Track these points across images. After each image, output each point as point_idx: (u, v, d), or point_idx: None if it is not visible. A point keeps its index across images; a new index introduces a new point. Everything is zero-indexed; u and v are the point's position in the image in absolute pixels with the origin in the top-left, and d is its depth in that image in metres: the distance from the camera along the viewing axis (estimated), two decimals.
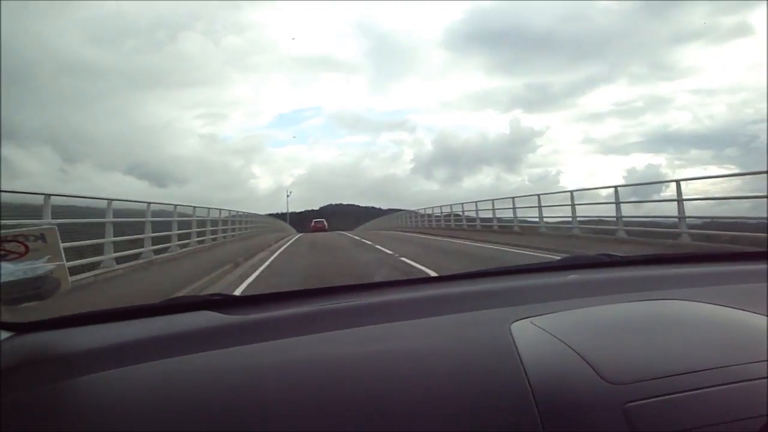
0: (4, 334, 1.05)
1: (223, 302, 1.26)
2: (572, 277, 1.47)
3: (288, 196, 67.24)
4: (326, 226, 45.51)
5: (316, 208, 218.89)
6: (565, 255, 2.86)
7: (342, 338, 1.02)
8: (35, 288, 1.00)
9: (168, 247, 13.06)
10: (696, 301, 1.10)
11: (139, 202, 12.34)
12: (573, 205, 14.92)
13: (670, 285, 1.28)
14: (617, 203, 12.94)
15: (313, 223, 45.74)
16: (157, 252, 12.01)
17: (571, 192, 14.97)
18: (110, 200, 10.07)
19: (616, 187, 13.18)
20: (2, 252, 0.97)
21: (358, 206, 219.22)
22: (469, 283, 1.52)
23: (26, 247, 0.99)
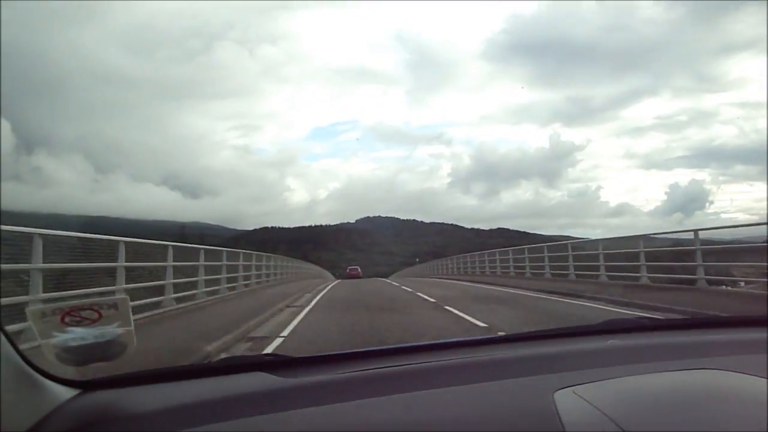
0: (72, 392, 1.13)
1: (276, 363, 1.32)
2: (613, 342, 1.48)
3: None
4: (360, 273, 48.21)
5: (352, 221, 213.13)
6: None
7: (390, 404, 1.06)
8: (104, 350, 1.09)
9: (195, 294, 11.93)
10: (741, 372, 1.09)
11: (158, 243, 10.78)
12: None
13: (713, 352, 1.27)
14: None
15: (348, 270, 49.41)
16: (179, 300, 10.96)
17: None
18: (120, 240, 8.53)
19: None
20: (78, 318, 1.05)
21: (398, 219, 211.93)
22: (511, 347, 1.55)
23: (100, 314, 1.07)
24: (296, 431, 0.98)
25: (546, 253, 18.38)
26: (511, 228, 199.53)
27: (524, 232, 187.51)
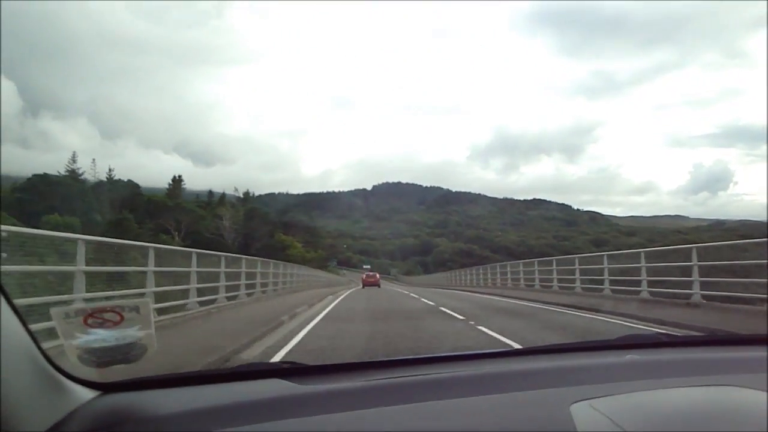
0: (92, 393, 1.15)
1: (293, 371, 1.33)
2: (631, 357, 1.48)
3: None
4: (378, 280, 37.84)
5: (369, 187, 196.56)
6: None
7: (407, 414, 1.06)
8: (125, 353, 1.10)
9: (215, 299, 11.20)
10: (761, 390, 1.08)
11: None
12: None
13: (732, 369, 1.28)
14: None
15: (364, 277, 39.32)
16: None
17: None
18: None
19: None
20: (100, 320, 1.06)
21: (421, 186, 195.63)
22: (529, 359, 1.56)
23: (121, 316, 1.08)
24: None
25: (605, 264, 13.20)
26: (549, 199, 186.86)
27: (565, 205, 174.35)
